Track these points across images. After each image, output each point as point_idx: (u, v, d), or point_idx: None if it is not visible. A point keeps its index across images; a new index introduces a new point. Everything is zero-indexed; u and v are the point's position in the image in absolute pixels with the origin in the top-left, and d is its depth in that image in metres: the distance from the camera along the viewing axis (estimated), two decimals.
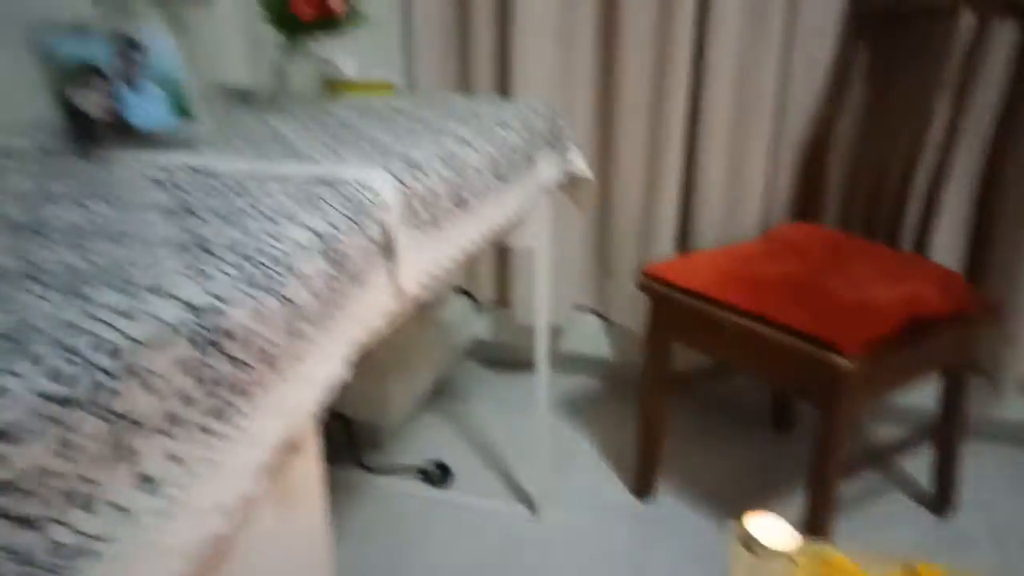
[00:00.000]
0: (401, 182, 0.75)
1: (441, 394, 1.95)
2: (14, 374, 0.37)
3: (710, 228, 1.71)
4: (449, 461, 1.65)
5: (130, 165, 0.76)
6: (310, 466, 0.63)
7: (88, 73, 0.75)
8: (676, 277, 1.38)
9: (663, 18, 1.60)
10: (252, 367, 0.50)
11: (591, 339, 1.98)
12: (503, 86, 1.76)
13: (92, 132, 0.76)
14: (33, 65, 0.72)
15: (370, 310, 0.69)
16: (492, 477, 1.62)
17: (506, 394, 1.96)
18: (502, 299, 2.01)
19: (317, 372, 0.59)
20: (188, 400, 0.45)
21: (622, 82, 1.67)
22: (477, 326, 2.06)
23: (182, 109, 0.83)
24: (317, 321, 0.58)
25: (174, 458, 0.44)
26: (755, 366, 1.30)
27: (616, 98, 1.69)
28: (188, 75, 0.84)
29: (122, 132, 0.78)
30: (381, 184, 0.72)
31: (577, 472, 1.63)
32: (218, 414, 0.48)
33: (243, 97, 1.22)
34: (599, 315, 1.97)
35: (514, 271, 1.91)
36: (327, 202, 0.65)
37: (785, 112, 1.61)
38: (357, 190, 0.69)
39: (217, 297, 0.48)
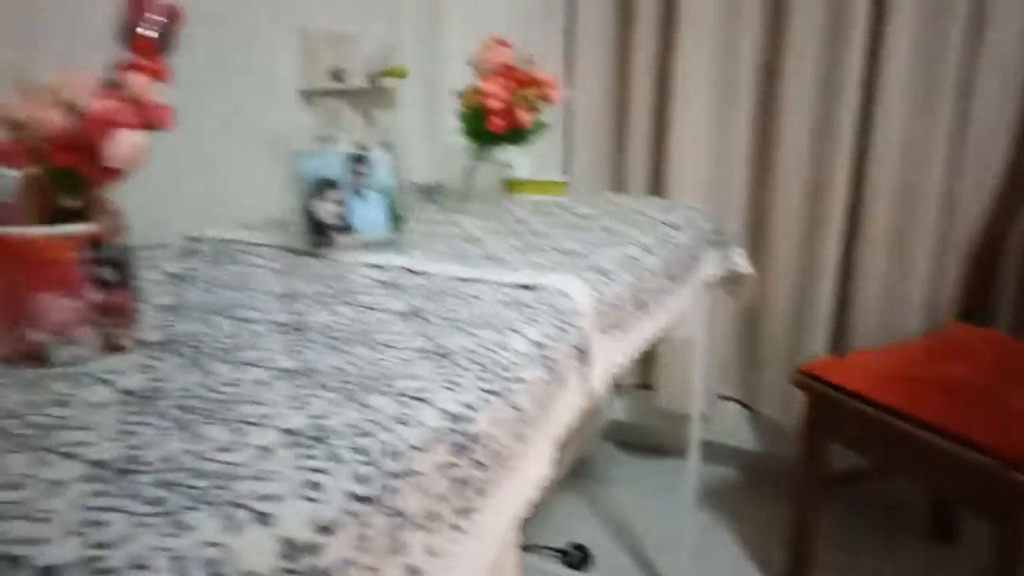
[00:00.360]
0: (594, 289, 0.80)
1: (578, 474, 1.96)
2: (328, 474, 0.44)
3: (867, 326, 1.66)
4: (588, 543, 1.66)
5: (355, 265, 0.86)
6: (511, 558, 0.67)
7: (326, 186, 0.86)
8: (835, 376, 1.36)
9: (824, 112, 1.61)
10: (489, 468, 0.56)
11: (734, 429, 1.96)
12: (656, 182, 1.82)
13: (325, 235, 0.86)
14: (284, 177, 0.84)
15: (567, 409, 0.74)
16: (631, 564, 1.61)
17: (645, 478, 1.95)
18: (643, 382, 2.02)
19: (532, 471, 0.64)
20: (443, 499, 0.51)
21: (778, 176, 1.69)
22: (615, 407, 2.08)
23: (395, 214, 0.93)
24: (534, 424, 0.64)
25: (432, 552, 0.50)
26: (921, 475, 1.25)
27: (772, 192, 1.71)
28: (399, 184, 0.94)
29: (347, 234, 0.88)
30: (578, 292, 0.77)
31: (720, 566, 1.60)
32: (463, 512, 0.53)
33: (427, 193, 1.33)
34: (743, 405, 1.95)
35: (658, 356, 1.93)
36: (537, 311, 0.71)
37: (953, 209, 1.57)
38: (559, 298, 0.75)
39: (467, 406, 0.54)
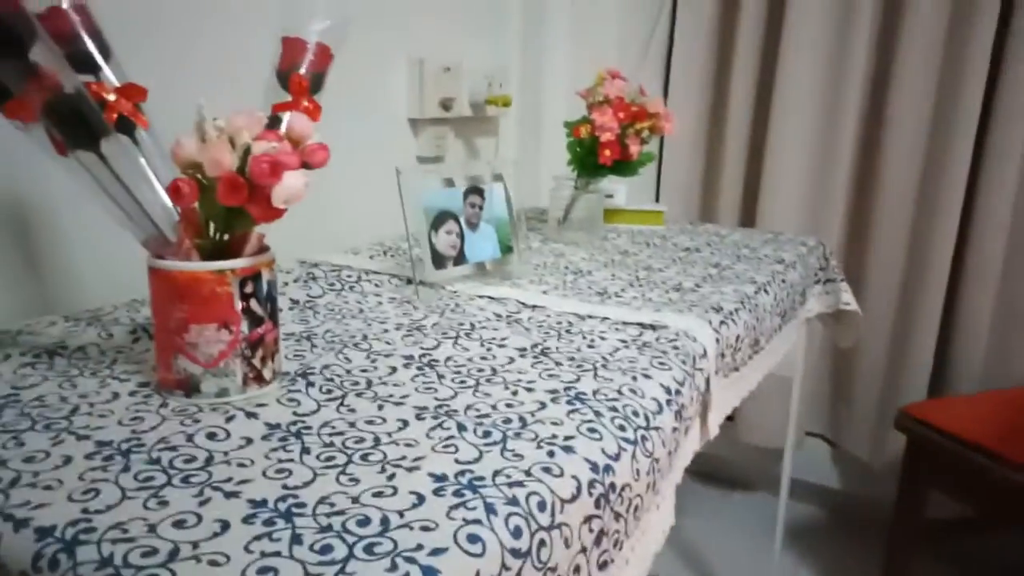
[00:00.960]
0: (715, 331, 0.79)
1: None
2: (485, 526, 0.44)
3: (971, 369, 1.59)
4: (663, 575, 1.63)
5: (471, 297, 0.86)
6: None
7: (445, 217, 0.87)
8: (941, 421, 1.30)
9: (932, 148, 1.55)
10: (625, 519, 0.55)
11: (818, 466, 1.89)
12: (748, 214, 1.78)
13: (441, 265, 0.87)
14: (391, 204, 0.85)
15: (687, 455, 0.72)
16: None
17: (723, 512, 1.90)
18: None
19: (659, 521, 0.62)
20: (585, 551, 0.51)
21: (880, 211, 1.63)
22: None
23: (506, 246, 0.94)
24: (664, 472, 0.62)
25: None
26: None
27: (871, 227, 1.65)
28: (511, 215, 0.95)
29: (462, 265, 0.89)
30: (704, 335, 0.76)
31: None
32: (602, 565, 0.52)
33: (528, 222, 1.34)
34: (829, 442, 1.88)
35: None
36: (665, 354, 0.70)
37: None
38: (686, 341, 0.73)
39: (609, 455, 0.53)
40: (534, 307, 0.83)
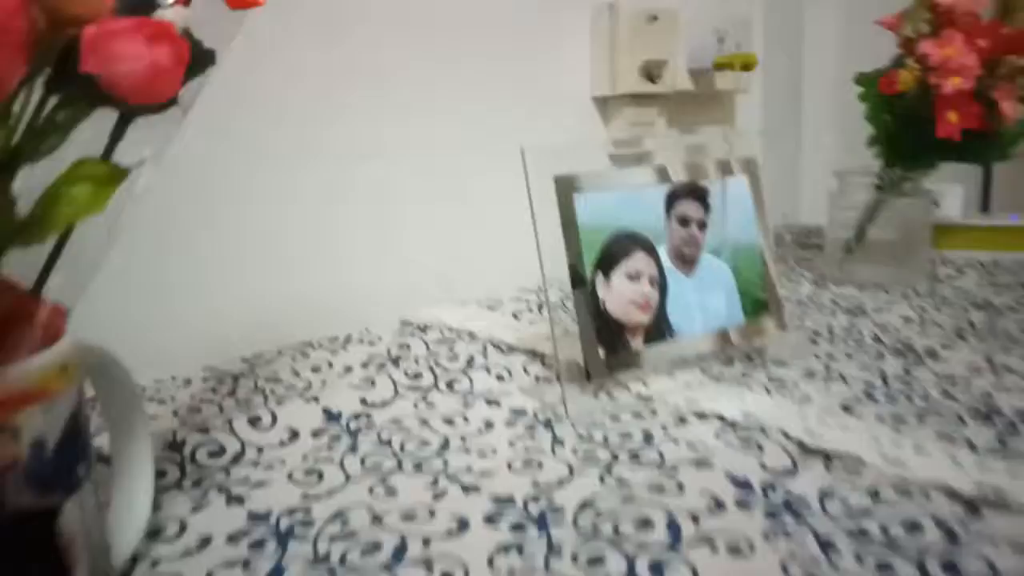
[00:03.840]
0: None
1: None
2: None
3: None
4: None
5: (678, 413, 0.42)
6: None
7: (629, 247, 0.44)
8: None
9: None
10: None
11: None
12: None
13: (616, 344, 0.44)
14: (555, 231, 0.44)
15: None
16: None
17: None
18: None
19: None
20: None
21: None
22: None
23: (753, 300, 0.48)
24: None
25: None
26: None
27: None
28: (765, 240, 0.49)
29: (662, 343, 0.45)
30: None
31: None
32: None
33: (790, 249, 0.86)
34: None
35: None
36: None
37: None
38: None
39: None
40: (808, 448, 0.37)
